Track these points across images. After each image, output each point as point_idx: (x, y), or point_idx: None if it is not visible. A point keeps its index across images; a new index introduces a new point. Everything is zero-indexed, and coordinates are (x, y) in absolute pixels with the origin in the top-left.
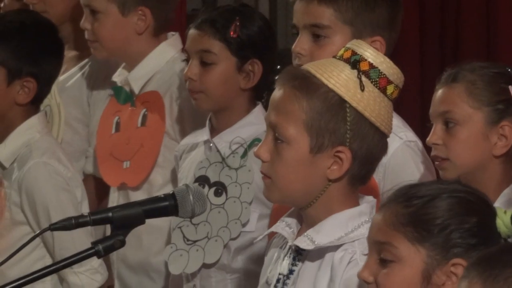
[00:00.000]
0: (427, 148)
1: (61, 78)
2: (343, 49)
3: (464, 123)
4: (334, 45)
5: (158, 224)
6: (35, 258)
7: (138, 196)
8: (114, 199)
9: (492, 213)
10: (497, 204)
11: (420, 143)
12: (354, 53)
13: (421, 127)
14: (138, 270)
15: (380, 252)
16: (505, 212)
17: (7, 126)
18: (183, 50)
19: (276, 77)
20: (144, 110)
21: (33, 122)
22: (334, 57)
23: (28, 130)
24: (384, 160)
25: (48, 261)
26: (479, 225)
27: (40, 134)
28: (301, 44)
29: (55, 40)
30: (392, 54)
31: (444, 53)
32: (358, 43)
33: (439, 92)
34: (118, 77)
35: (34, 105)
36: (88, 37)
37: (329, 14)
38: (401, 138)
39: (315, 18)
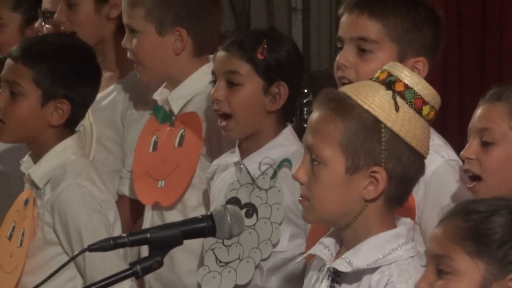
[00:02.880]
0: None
1: None
2: (379, 71)
3: (501, 143)
4: (379, 61)
5: (190, 244)
6: (66, 278)
7: (173, 215)
8: (148, 218)
9: None
10: None
11: (461, 163)
12: (390, 74)
13: (459, 149)
14: None
15: (438, 265)
16: None
17: (41, 147)
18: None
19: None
20: (182, 130)
21: (69, 144)
22: (371, 79)
23: (63, 151)
24: (425, 178)
25: (79, 282)
26: None
27: (75, 156)
28: (346, 56)
29: (92, 64)
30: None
31: (484, 73)
32: (394, 65)
33: (480, 108)
34: (159, 95)
35: (68, 128)
36: (131, 56)
37: (377, 29)
38: (443, 156)
39: (362, 31)
